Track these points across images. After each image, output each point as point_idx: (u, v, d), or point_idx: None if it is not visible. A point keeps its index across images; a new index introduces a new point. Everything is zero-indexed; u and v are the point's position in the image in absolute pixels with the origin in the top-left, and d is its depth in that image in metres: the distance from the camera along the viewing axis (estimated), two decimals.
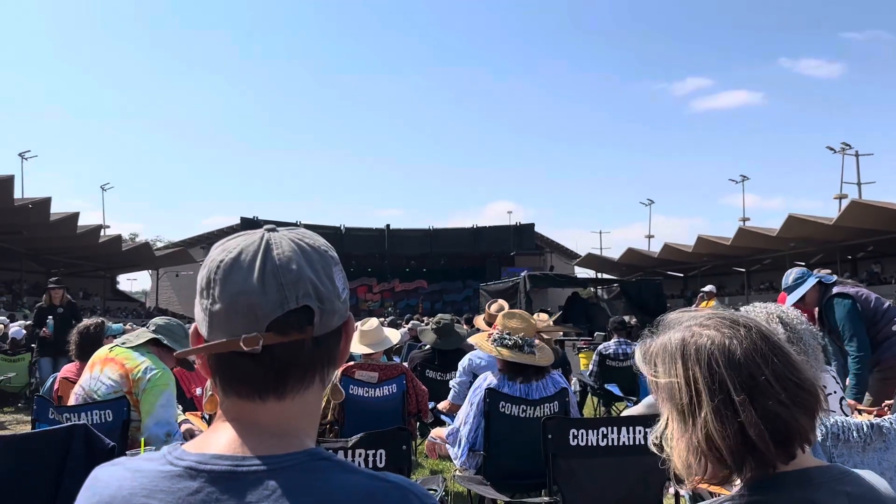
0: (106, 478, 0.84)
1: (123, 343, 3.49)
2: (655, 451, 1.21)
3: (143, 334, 3.55)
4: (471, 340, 4.20)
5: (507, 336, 3.63)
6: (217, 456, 0.80)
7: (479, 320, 6.22)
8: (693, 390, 1.11)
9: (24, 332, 10.70)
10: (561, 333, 6.59)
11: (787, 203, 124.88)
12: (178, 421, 3.47)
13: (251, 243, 0.86)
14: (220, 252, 0.86)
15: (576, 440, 3.07)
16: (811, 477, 1.08)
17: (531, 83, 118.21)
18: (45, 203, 34.70)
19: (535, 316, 6.59)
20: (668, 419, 1.16)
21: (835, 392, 2.55)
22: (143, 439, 3.09)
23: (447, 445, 3.80)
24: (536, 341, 3.72)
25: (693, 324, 1.18)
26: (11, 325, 12.30)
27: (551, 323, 6.04)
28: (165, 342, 3.49)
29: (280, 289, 0.82)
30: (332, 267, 0.88)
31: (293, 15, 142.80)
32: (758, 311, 2.29)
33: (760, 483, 1.09)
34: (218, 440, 0.83)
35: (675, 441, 1.14)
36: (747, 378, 1.08)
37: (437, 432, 4.02)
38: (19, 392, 9.91)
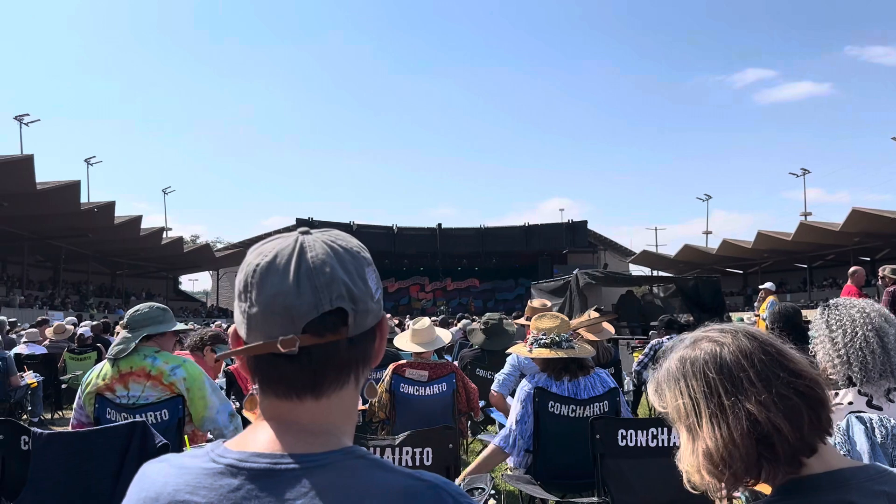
0: (153, 474, 0.87)
1: (120, 353, 3.35)
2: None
3: (131, 338, 3.39)
4: (511, 350, 4.22)
5: (542, 336, 3.61)
6: (256, 454, 0.83)
7: (523, 320, 6.19)
8: (694, 404, 1.14)
9: (91, 332, 11.14)
10: (612, 330, 6.48)
11: (853, 197, 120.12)
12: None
13: (286, 247, 0.88)
14: (257, 256, 0.88)
15: (625, 440, 3.04)
16: (846, 478, 1.05)
17: (586, 79, 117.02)
18: (110, 206, 35.86)
19: (587, 313, 6.53)
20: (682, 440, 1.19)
21: None
22: (186, 437, 3.16)
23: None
24: (577, 335, 3.70)
25: (689, 342, 1.22)
26: (80, 324, 12.80)
27: (591, 314, 5.95)
28: (155, 332, 3.44)
29: (315, 291, 0.84)
30: (364, 268, 0.90)
31: (347, 20, 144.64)
32: (852, 307, 2.23)
33: (792, 486, 1.06)
34: (257, 438, 0.85)
35: (685, 456, 1.17)
36: (735, 379, 1.10)
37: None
38: None
